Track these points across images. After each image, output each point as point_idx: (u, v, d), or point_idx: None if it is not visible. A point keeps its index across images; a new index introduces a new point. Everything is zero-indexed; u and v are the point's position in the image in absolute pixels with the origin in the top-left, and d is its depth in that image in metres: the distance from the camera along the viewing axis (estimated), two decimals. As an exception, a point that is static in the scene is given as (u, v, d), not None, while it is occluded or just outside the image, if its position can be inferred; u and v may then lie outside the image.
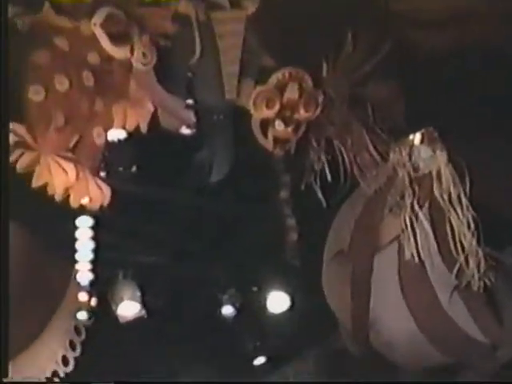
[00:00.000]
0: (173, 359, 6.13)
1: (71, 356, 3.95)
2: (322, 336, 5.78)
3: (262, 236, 4.73)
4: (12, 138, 3.08)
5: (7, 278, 3.04)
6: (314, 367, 6.19)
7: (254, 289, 5.40)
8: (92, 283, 4.17)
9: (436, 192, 3.68)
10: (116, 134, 3.55)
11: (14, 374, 3.74)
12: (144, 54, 3.35)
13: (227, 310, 5.49)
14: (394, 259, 3.79)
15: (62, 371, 3.90)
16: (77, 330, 4.02)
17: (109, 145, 3.49)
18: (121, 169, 3.81)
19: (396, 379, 5.23)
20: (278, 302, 5.34)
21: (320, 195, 3.84)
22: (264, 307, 5.34)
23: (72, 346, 3.98)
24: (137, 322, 5.04)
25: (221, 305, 5.38)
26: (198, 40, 3.61)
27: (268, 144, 3.83)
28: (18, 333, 3.72)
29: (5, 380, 2.88)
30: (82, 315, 4.14)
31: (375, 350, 4.00)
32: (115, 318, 4.93)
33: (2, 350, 2.81)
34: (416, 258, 3.68)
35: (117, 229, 4.46)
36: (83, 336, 4.05)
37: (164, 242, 4.83)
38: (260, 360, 6.08)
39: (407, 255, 3.70)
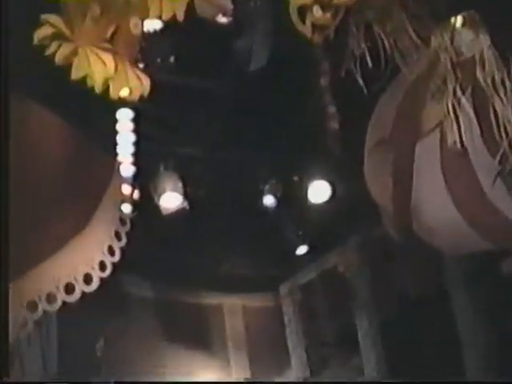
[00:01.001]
0: (216, 250, 6.25)
1: (117, 246, 4.01)
2: (363, 224, 5.83)
3: (303, 125, 4.71)
4: (49, 30, 3.06)
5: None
6: (357, 255, 6.26)
7: (295, 178, 5.42)
8: (135, 176, 4.21)
9: (479, 76, 3.60)
10: (152, 24, 3.51)
11: (62, 263, 3.83)
12: None
13: (268, 201, 5.54)
14: (436, 146, 3.75)
15: (108, 261, 3.96)
16: (122, 221, 4.07)
17: (146, 35, 3.46)
18: (159, 60, 3.79)
19: (438, 265, 5.30)
20: (319, 191, 5.37)
21: (360, 82, 3.77)
22: (305, 197, 5.38)
23: (117, 236, 4.03)
24: (179, 213, 5.12)
25: (262, 195, 5.43)
26: None
27: (306, 30, 3.74)
28: (65, 224, 3.80)
29: (5, 380, 2.88)
30: (126, 208, 4.19)
31: (417, 236, 4.00)
32: (158, 209, 5.01)
33: (3, 350, 2.82)
34: (458, 144, 3.62)
35: (157, 121, 4.48)
36: (128, 226, 4.10)
37: (204, 133, 4.85)
38: (302, 249, 6.18)
39: (450, 141, 3.64)
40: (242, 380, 6.85)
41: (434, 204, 3.84)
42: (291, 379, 6.84)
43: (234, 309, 7.02)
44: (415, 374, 5.52)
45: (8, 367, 3.01)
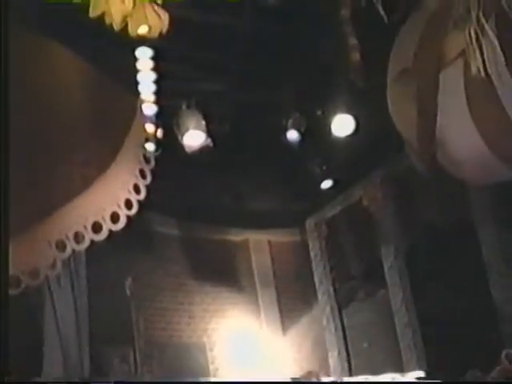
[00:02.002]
0: (240, 186, 6.27)
1: (142, 184, 4.04)
2: (388, 157, 5.81)
3: (325, 57, 4.66)
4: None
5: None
6: (382, 188, 6.25)
7: (319, 112, 5.39)
8: (157, 114, 4.20)
9: (503, 2, 3.53)
10: (169, -41, 3.46)
11: (89, 203, 3.86)
12: None
13: (292, 135, 5.53)
14: (460, 75, 3.69)
15: (134, 199, 4.00)
16: (146, 159, 4.10)
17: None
18: (177, -5, 3.74)
19: (463, 196, 5.27)
20: (342, 124, 5.34)
21: (381, 11, 3.71)
22: (329, 131, 5.35)
23: (142, 174, 4.06)
24: (203, 150, 5.12)
25: (285, 130, 5.40)
26: None
27: (326, -39, 3.69)
28: (90, 163, 3.82)
29: (5, 380, 2.87)
30: (150, 146, 4.20)
31: (442, 167, 3.98)
32: (182, 147, 5.02)
33: (2, 352, 2.82)
34: (482, 73, 3.56)
35: (177, 58, 4.44)
36: (152, 164, 4.13)
37: (226, 69, 4.81)
38: (327, 183, 6.17)
39: (473, 70, 3.58)
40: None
41: (459, 134, 3.80)
42: (319, 312, 6.91)
43: (260, 244, 7.06)
44: (442, 301, 5.55)
45: (8, 367, 2.99)
